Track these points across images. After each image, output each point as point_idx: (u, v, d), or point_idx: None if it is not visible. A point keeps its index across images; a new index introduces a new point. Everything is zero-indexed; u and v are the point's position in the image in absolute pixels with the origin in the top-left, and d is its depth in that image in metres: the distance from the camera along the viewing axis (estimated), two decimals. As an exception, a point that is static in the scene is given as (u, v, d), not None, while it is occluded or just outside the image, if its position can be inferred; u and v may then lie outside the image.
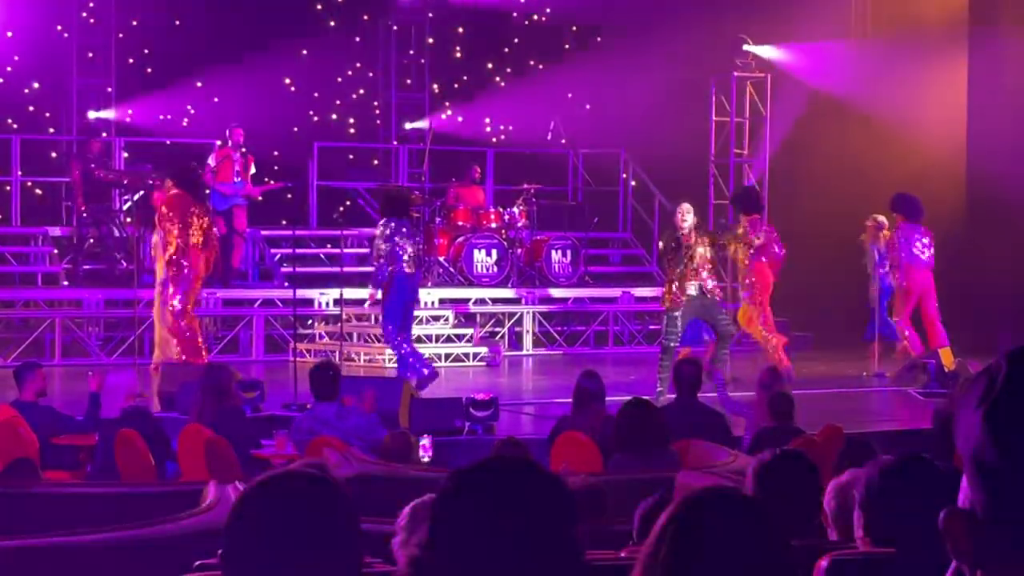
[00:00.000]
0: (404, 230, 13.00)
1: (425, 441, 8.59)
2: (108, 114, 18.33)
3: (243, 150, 16.38)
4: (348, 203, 19.24)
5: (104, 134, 17.86)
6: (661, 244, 13.86)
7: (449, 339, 16.05)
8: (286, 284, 16.23)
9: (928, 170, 17.87)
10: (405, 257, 12.88)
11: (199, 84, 19.06)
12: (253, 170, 16.60)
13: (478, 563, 2.12)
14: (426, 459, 8.47)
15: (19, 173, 17.43)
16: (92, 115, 18.20)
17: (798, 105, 18.50)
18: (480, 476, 2.20)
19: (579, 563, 2.18)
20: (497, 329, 17.02)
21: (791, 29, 18.53)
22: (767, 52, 18.57)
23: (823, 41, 18.63)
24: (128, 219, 16.93)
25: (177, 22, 18.74)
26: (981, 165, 17.84)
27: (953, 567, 1.70)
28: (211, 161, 16.42)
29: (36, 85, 18.49)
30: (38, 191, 18.28)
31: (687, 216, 12.94)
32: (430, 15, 19.95)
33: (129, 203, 17.00)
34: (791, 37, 18.62)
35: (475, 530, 2.13)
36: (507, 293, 17.17)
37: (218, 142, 16.86)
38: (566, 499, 2.21)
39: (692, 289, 12.88)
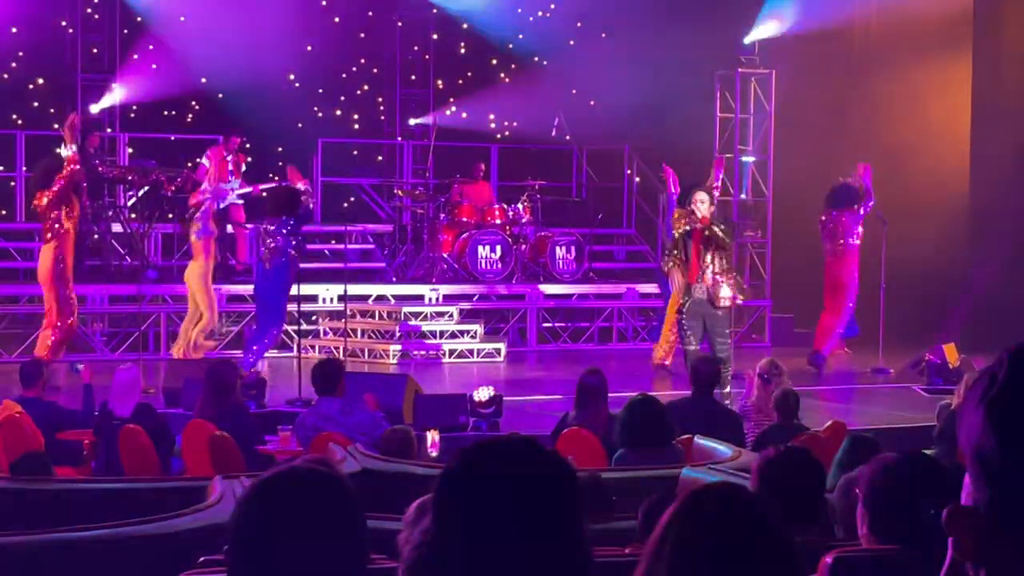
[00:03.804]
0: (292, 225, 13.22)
1: (434, 436, 8.59)
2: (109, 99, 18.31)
3: (235, 152, 16.54)
4: (352, 199, 19.25)
5: (109, 129, 17.87)
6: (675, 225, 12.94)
7: (453, 335, 16.06)
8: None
9: (932, 164, 17.86)
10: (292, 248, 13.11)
11: (203, 80, 19.06)
12: (243, 169, 16.74)
13: (482, 538, 2.12)
14: (434, 454, 8.47)
15: (23, 168, 17.44)
16: (94, 108, 18.21)
17: (802, 99, 18.48)
18: (485, 454, 2.21)
19: (582, 541, 2.19)
20: (501, 325, 17.02)
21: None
22: (767, 30, 18.47)
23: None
24: (132, 214, 16.94)
25: (182, 18, 18.74)
26: (986, 159, 17.82)
27: (948, 563, 1.70)
28: (206, 161, 16.49)
29: (40, 81, 18.50)
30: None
31: (700, 206, 12.49)
32: (434, 11, 19.95)
33: (133, 199, 17.01)
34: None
35: (479, 506, 2.14)
36: (511, 289, 17.17)
37: (220, 138, 16.91)
38: (569, 476, 2.22)
39: (699, 292, 12.43)
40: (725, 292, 12.29)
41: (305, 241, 13.41)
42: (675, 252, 12.67)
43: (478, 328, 16.22)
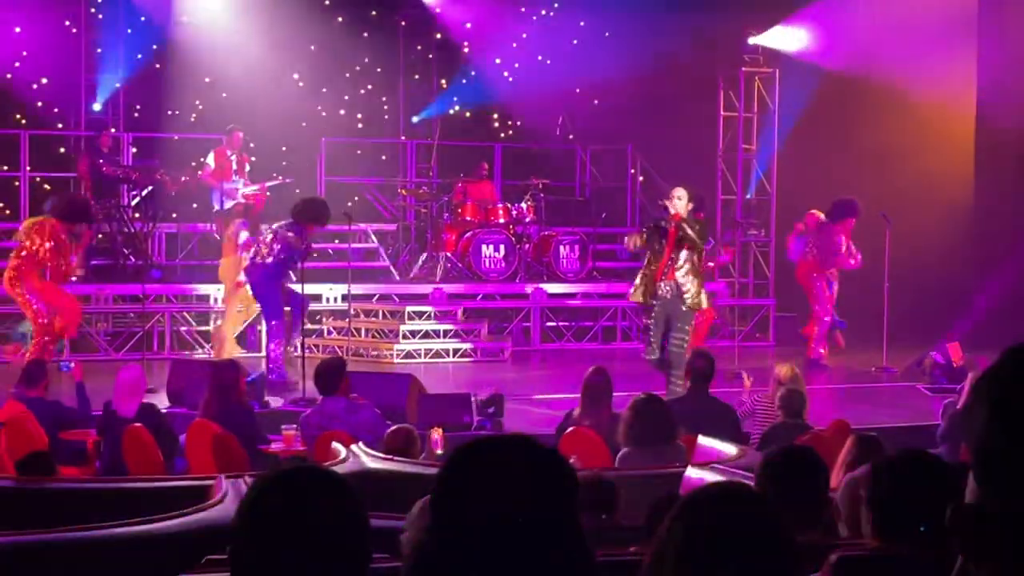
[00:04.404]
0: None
1: (437, 435, 8.59)
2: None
3: (239, 151, 16.55)
4: (356, 198, 19.25)
5: (113, 129, 17.88)
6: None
7: (457, 334, 16.06)
8: (294, 279, 16.23)
9: (937, 161, 17.83)
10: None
11: (207, 80, 19.07)
12: (247, 168, 16.76)
13: (479, 534, 2.12)
14: (439, 452, 8.47)
15: (27, 168, 17.45)
16: (97, 106, 18.21)
17: (806, 98, 18.47)
18: (482, 451, 2.21)
19: (579, 537, 2.19)
20: (504, 324, 17.02)
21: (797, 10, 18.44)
22: (773, 39, 18.47)
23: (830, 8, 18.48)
24: (136, 214, 16.95)
25: (185, 18, 18.75)
26: (991, 156, 17.80)
27: (960, 564, 1.71)
28: (211, 161, 16.50)
29: (44, 80, 18.50)
30: (47, 186, 18.27)
31: (676, 202, 11.57)
32: (438, 10, 19.95)
33: (137, 198, 17.02)
34: (797, 16, 18.51)
35: (476, 502, 2.14)
36: (515, 288, 17.18)
37: (224, 138, 16.92)
38: (566, 473, 2.22)
39: (664, 291, 11.63)
40: (691, 292, 11.56)
41: (293, 258, 13.29)
42: (651, 244, 11.74)
43: (482, 328, 16.23)
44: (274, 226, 13.50)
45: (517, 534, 2.12)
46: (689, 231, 11.55)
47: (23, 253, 13.32)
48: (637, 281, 11.87)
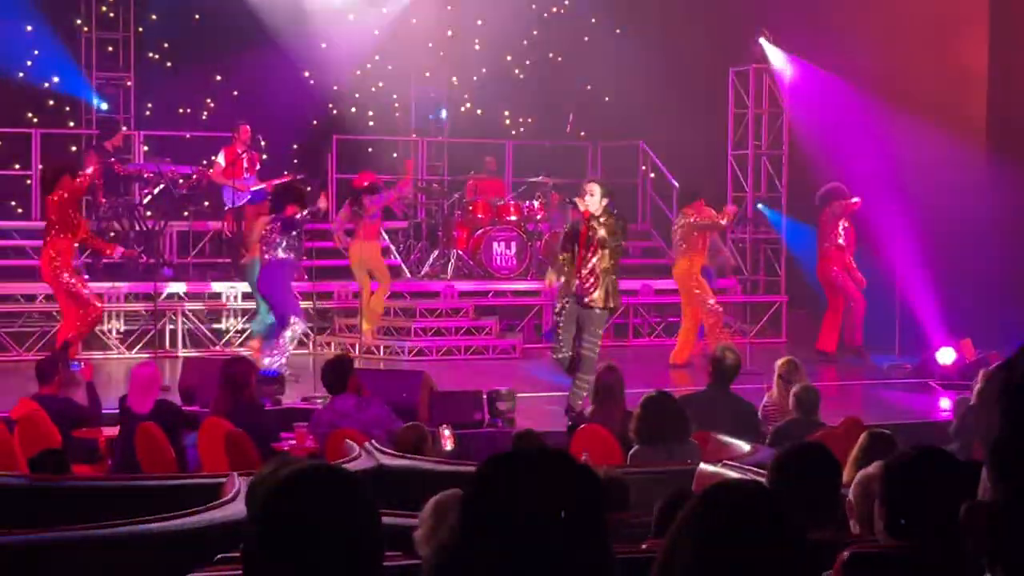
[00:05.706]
0: None
1: (448, 432, 8.60)
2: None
3: (248, 147, 16.54)
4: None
5: (124, 128, 17.91)
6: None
7: (468, 331, 16.06)
8: (305, 277, 16.26)
9: (947, 157, 17.78)
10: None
11: (218, 78, 19.09)
12: (258, 166, 16.77)
13: (511, 542, 2.14)
14: (449, 448, 8.48)
15: (39, 167, 17.47)
16: (104, 105, 18.22)
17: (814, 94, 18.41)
18: (517, 460, 2.23)
19: (607, 551, 2.20)
20: (516, 322, 17.02)
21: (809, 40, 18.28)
22: (776, 56, 18.40)
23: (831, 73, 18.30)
24: (148, 212, 16.97)
25: (196, 16, 18.78)
26: (1004, 154, 17.74)
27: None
28: (221, 160, 16.50)
29: (55, 79, 18.54)
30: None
31: (588, 198, 11.04)
32: (448, 7, 19.93)
33: (149, 197, 17.05)
34: (804, 51, 18.37)
35: (510, 510, 2.15)
36: (526, 285, 17.18)
37: (233, 135, 16.92)
38: (596, 488, 2.24)
39: (575, 288, 11.23)
40: (597, 295, 11.10)
41: (298, 240, 13.22)
42: (563, 256, 11.38)
43: (493, 325, 16.23)
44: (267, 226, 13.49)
45: (547, 541, 2.14)
46: (600, 230, 11.05)
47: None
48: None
